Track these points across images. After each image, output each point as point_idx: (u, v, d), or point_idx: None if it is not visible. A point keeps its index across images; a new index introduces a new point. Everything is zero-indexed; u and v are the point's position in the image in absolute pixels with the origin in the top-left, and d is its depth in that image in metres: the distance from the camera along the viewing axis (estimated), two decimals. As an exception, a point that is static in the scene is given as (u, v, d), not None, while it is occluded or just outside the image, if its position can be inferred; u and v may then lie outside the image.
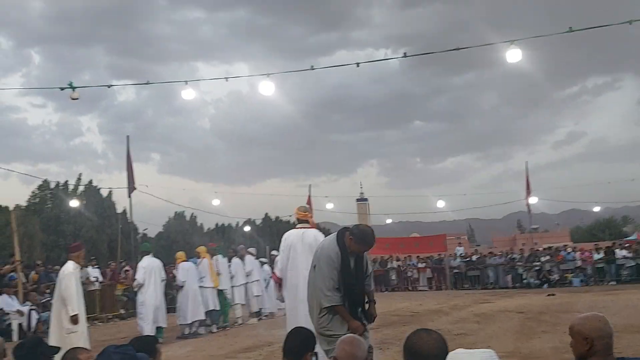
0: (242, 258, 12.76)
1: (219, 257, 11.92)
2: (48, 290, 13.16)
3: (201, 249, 11.78)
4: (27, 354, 3.26)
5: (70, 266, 7.18)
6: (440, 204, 30.14)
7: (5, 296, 11.21)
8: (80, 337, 6.93)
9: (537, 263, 20.35)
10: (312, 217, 6.52)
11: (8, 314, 10.91)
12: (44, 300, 12.56)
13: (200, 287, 11.00)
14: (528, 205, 23.53)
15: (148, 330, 9.50)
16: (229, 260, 12.37)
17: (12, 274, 11.74)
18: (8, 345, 3.58)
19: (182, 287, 10.76)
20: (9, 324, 10.80)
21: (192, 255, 11.79)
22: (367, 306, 4.69)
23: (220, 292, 11.56)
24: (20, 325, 10.87)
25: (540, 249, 23.60)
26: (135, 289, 10.04)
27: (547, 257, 20.50)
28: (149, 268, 9.91)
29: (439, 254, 22.70)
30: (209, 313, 11.10)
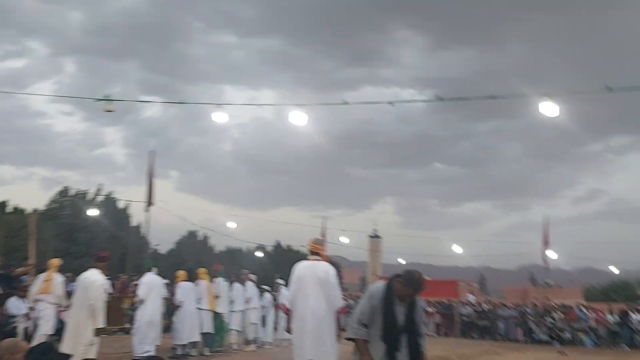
0: (242, 283, 12.66)
1: (220, 280, 11.88)
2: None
3: (201, 270, 11.77)
4: (38, 358, 3.26)
5: (99, 276, 7.15)
6: (457, 249, 29.83)
7: (14, 299, 11.24)
8: (95, 349, 6.93)
9: (550, 319, 19.92)
10: (325, 251, 6.50)
11: (15, 317, 10.90)
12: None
13: (198, 308, 10.97)
14: (544, 258, 23.16)
15: (137, 345, 9.52)
16: (231, 285, 12.29)
17: (23, 276, 11.78)
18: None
19: (179, 306, 10.73)
20: (14, 327, 10.78)
21: (194, 276, 11.77)
22: None
23: (217, 315, 11.48)
24: (26, 329, 10.85)
25: (553, 304, 23.15)
26: (137, 305, 10.03)
27: (560, 314, 20.06)
28: (150, 284, 9.96)
29: (449, 300, 22.35)
30: (203, 335, 11.04)
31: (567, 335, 19.27)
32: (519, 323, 20.50)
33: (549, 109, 8.66)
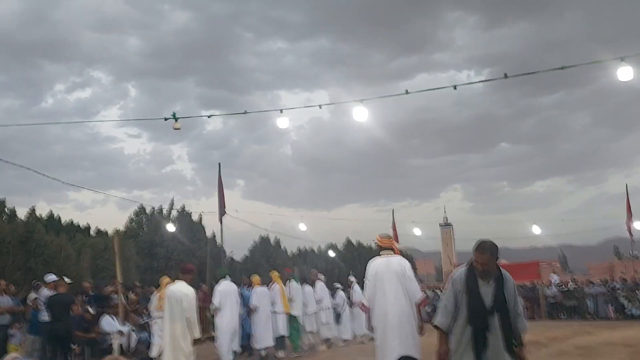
0: (312, 284, 12.66)
1: (293, 282, 11.91)
2: (145, 311, 13.75)
3: (274, 274, 11.87)
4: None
5: (189, 288, 7.36)
6: (536, 229, 28.75)
7: (106, 317, 11.80)
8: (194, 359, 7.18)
9: (642, 293, 18.91)
10: (395, 244, 6.44)
11: (109, 334, 11.44)
12: (142, 321, 13.11)
13: (273, 312, 11.10)
14: (630, 230, 22.00)
15: (224, 354, 9.70)
16: (303, 286, 12.30)
17: (113, 295, 12.35)
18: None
19: (254, 311, 10.84)
20: (110, 345, 11.31)
21: (267, 280, 11.88)
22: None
23: (292, 318, 11.54)
24: (121, 345, 11.35)
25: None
26: (213, 313, 10.21)
27: (653, 287, 19.00)
28: (224, 292, 10.12)
29: (532, 282, 21.62)
30: (278, 339, 11.11)
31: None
32: (609, 299, 19.57)
33: (623, 73, 8.19)
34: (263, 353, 10.57)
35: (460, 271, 4.47)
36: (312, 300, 12.24)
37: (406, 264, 6.12)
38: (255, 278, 11.65)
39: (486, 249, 4.26)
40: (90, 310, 11.82)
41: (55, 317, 8.78)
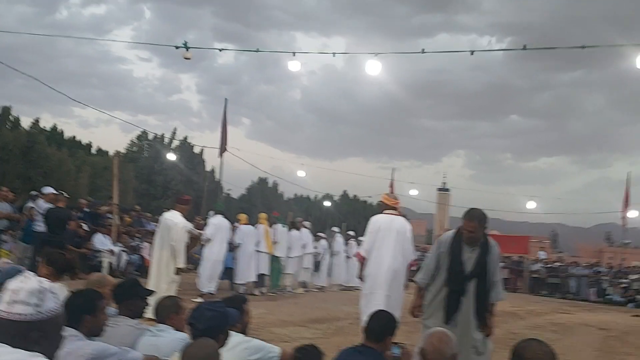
0: (298, 229, 12.98)
1: (279, 225, 12.19)
2: (138, 235, 14.00)
3: (261, 215, 12.10)
4: (125, 292, 3.50)
5: (181, 218, 7.50)
6: (531, 204, 28.96)
7: (99, 235, 12.00)
8: (175, 286, 7.37)
9: (625, 280, 19.20)
10: (399, 206, 6.59)
11: (100, 252, 11.66)
12: (134, 243, 13.35)
13: (256, 251, 11.36)
14: (624, 217, 22.12)
15: (204, 282, 9.97)
16: (289, 231, 12.57)
17: (108, 215, 12.51)
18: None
19: (237, 247, 11.10)
20: (100, 262, 11.55)
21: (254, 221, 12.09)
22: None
23: (275, 259, 11.85)
24: (110, 264, 11.60)
25: (630, 265, 22.30)
26: (204, 244, 10.42)
27: (637, 276, 19.27)
28: (218, 226, 10.32)
29: (520, 256, 21.91)
30: (259, 276, 11.44)
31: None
32: (592, 282, 19.90)
33: (641, 60, 8.02)
34: (241, 290, 10.83)
35: (448, 234, 4.59)
36: (296, 244, 12.55)
37: (408, 226, 6.36)
38: (242, 216, 11.86)
39: (474, 217, 4.31)
40: (84, 226, 12.00)
41: (51, 229, 8.93)
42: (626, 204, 21.94)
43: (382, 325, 3.40)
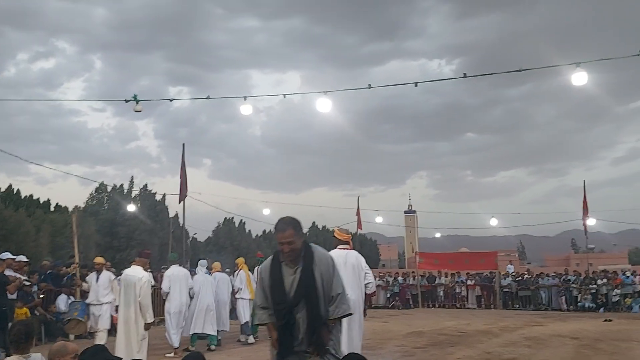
0: None
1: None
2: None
3: (239, 260, 11.89)
4: (89, 360, 3.39)
5: (144, 273, 7.40)
6: (493, 221, 29.55)
7: (63, 296, 11.63)
8: (146, 343, 7.22)
9: (594, 286, 19.60)
10: (351, 241, 6.77)
11: (65, 313, 11.28)
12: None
13: (238, 298, 11.19)
14: (585, 225, 22.68)
15: (173, 337, 9.73)
16: None
17: (70, 275, 12.16)
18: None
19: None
20: (66, 322, 11.15)
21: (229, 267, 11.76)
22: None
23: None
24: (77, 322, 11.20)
25: (597, 270, 22.77)
26: (164, 297, 10.25)
27: (604, 280, 19.70)
28: (173, 277, 10.14)
29: (490, 272, 22.17)
30: (244, 324, 11.17)
31: (613, 300, 18.96)
32: (562, 291, 20.23)
33: (579, 78, 8.40)
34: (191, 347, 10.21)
35: (266, 262, 3.95)
36: None
37: (361, 258, 6.53)
38: (216, 264, 11.66)
39: (286, 224, 3.67)
40: (26, 283, 11.43)
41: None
42: (585, 211, 22.52)
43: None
